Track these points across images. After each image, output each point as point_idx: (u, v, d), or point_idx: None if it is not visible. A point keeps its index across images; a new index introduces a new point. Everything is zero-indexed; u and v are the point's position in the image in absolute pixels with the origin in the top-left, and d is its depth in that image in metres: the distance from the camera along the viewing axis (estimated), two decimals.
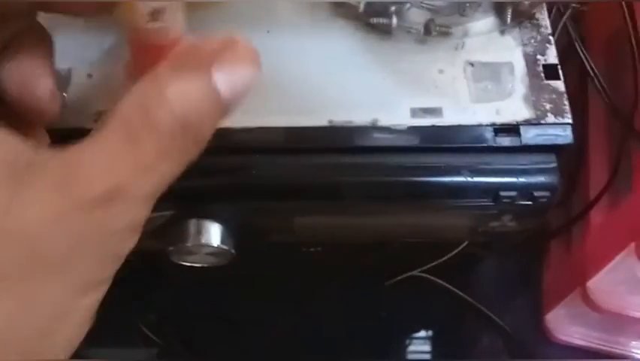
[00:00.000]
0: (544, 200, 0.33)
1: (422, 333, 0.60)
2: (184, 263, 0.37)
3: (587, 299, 0.49)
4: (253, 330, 0.55)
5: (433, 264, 0.53)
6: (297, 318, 0.55)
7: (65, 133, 0.33)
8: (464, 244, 0.47)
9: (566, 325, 0.56)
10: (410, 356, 0.59)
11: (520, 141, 0.33)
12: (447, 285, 0.57)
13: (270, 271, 0.53)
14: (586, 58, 0.39)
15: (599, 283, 0.48)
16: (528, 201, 0.33)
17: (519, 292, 0.59)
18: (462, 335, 0.60)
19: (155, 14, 0.30)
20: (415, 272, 0.57)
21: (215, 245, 0.35)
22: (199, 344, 0.55)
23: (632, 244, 0.41)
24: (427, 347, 0.60)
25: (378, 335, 0.58)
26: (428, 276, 0.57)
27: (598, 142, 0.50)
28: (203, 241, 0.35)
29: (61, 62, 0.35)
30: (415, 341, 0.60)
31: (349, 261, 0.53)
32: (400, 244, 0.50)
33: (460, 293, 0.58)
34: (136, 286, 0.54)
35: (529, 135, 0.33)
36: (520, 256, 0.59)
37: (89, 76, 0.35)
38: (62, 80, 0.35)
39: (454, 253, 0.48)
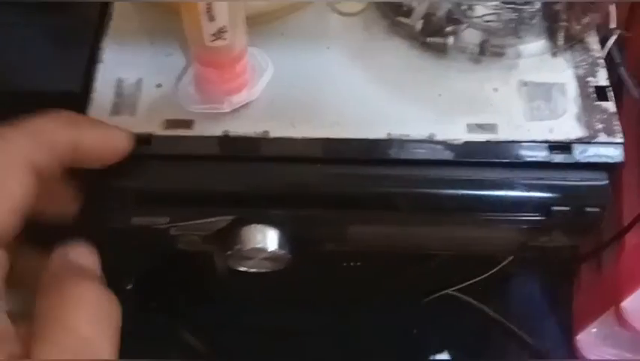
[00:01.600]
0: (594, 216, 0.34)
1: (453, 351, 0.60)
2: (240, 268, 0.38)
3: (622, 319, 0.49)
4: (289, 342, 0.56)
5: (471, 282, 0.54)
6: (333, 331, 0.56)
7: (136, 138, 0.35)
8: (506, 261, 0.48)
9: (597, 345, 0.56)
10: None
11: (573, 158, 0.34)
12: (479, 305, 0.58)
13: (310, 285, 0.54)
14: (631, 82, 0.41)
15: (634, 303, 0.48)
16: (579, 216, 0.35)
17: (550, 313, 0.60)
18: (493, 355, 0.60)
19: (219, 33, 0.31)
20: (448, 291, 0.57)
21: (272, 250, 0.36)
22: (233, 354, 0.56)
23: None
24: None
25: (409, 351, 0.59)
26: (460, 295, 0.57)
27: (632, 165, 0.51)
28: (261, 245, 0.36)
29: (132, 73, 0.37)
30: (444, 358, 0.60)
31: (386, 277, 0.54)
32: (437, 262, 0.51)
33: (492, 313, 0.58)
34: (180, 297, 0.55)
35: (582, 153, 0.34)
36: (551, 276, 0.60)
37: (159, 86, 0.37)
38: (133, 90, 0.37)
39: (495, 269, 0.49)
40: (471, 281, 0.53)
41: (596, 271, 0.56)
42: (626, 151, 0.50)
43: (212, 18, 0.30)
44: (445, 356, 0.61)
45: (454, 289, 0.56)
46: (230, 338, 0.55)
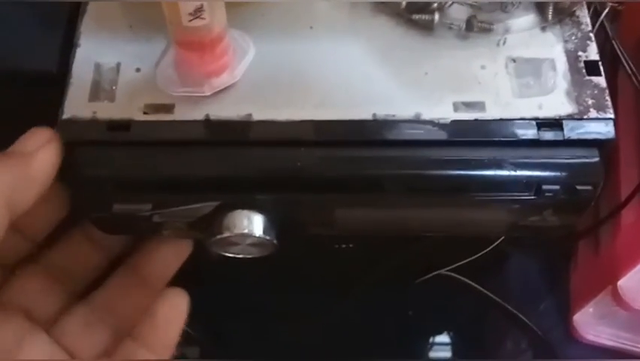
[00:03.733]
0: (586, 194, 0.34)
1: (449, 332, 0.60)
2: (226, 254, 0.37)
3: (618, 298, 0.49)
4: (280, 325, 0.55)
5: (464, 262, 0.53)
6: (325, 313, 0.56)
7: (115, 124, 0.34)
8: (498, 241, 0.47)
9: (594, 325, 0.56)
10: (437, 355, 0.60)
11: (563, 136, 0.34)
12: (475, 285, 0.58)
13: (301, 268, 0.53)
14: (624, 56, 0.40)
15: (631, 282, 0.48)
16: (570, 195, 0.34)
17: (547, 292, 0.59)
18: (489, 335, 0.60)
19: (197, 13, 0.30)
20: (443, 271, 0.57)
21: (258, 235, 0.36)
22: (230, 337, 0.55)
23: None
24: (453, 346, 0.60)
25: (405, 333, 0.59)
26: (456, 275, 0.57)
27: (629, 141, 0.50)
28: (246, 231, 0.35)
29: (111, 57, 0.36)
30: (442, 339, 0.60)
31: (380, 258, 0.54)
32: (432, 242, 0.51)
33: (488, 293, 0.58)
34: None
35: (572, 130, 0.34)
36: (547, 255, 0.59)
37: (138, 70, 0.36)
38: (111, 74, 0.36)
39: (488, 249, 0.48)
40: (464, 261, 0.52)
41: (594, 250, 0.55)
42: (623, 126, 0.50)
43: None
44: (444, 338, 0.61)
45: (447, 269, 0.55)
46: (222, 321, 0.54)
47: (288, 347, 0.54)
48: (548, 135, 0.34)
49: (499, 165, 0.34)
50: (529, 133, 0.34)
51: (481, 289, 0.58)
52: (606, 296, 0.51)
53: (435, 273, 0.57)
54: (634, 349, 0.56)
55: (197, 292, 0.55)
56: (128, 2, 0.38)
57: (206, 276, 0.53)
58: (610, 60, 0.43)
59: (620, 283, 0.48)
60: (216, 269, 0.43)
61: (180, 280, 0.55)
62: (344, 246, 0.49)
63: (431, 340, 0.60)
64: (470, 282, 0.57)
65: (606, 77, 0.36)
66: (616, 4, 0.40)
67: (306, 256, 0.51)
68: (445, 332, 0.60)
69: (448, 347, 0.60)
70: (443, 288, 0.57)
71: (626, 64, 0.40)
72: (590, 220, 0.53)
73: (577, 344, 0.57)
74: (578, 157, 0.34)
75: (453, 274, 0.57)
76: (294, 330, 0.55)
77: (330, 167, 0.34)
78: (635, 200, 0.47)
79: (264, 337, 0.55)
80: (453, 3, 0.36)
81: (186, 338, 0.54)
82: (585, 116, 0.34)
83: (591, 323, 0.56)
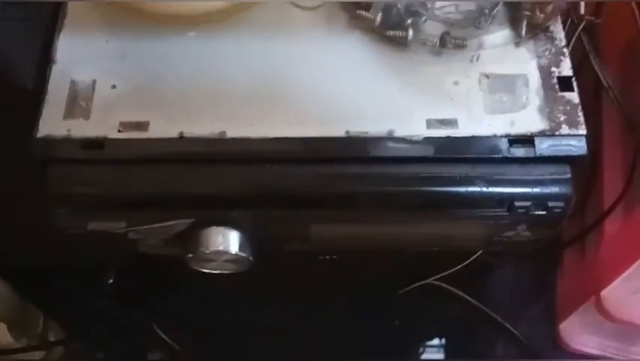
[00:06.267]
0: (558, 210, 0.34)
1: (435, 341, 0.60)
2: (203, 270, 0.38)
3: (602, 308, 0.49)
4: (268, 335, 0.55)
5: (447, 273, 0.53)
6: (311, 324, 0.56)
7: (89, 143, 0.34)
8: (478, 253, 0.47)
9: (579, 334, 0.56)
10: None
11: (535, 152, 0.34)
12: (461, 293, 0.58)
13: (285, 278, 0.53)
14: (600, 70, 0.40)
15: (614, 293, 0.48)
16: (542, 211, 0.34)
17: (533, 302, 0.59)
18: (475, 344, 0.60)
19: None
20: (430, 280, 0.57)
21: (234, 252, 0.36)
22: (213, 348, 0.55)
23: None
24: (440, 355, 0.60)
25: (391, 343, 0.59)
26: (442, 284, 0.57)
27: (612, 153, 0.50)
28: (222, 248, 0.35)
29: (86, 74, 0.36)
30: (428, 348, 0.60)
31: (364, 269, 0.54)
32: (414, 253, 0.51)
33: (474, 302, 0.58)
34: (151, 290, 0.54)
35: (544, 146, 0.34)
36: (533, 265, 0.59)
37: (113, 87, 0.36)
38: (87, 91, 0.36)
39: (468, 261, 0.48)
40: (450, 270, 0.52)
41: (579, 259, 0.55)
42: (607, 137, 0.50)
43: None
44: (431, 346, 0.61)
45: (434, 278, 0.55)
46: (205, 333, 0.55)
47: (275, 358, 0.55)
48: (520, 152, 0.34)
49: (471, 182, 0.34)
50: (501, 150, 0.34)
51: (467, 298, 0.58)
52: (591, 306, 0.51)
53: (421, 283, 0.57)
54: (620, 357, 0.56)
55: (180, 305, 0.56)
56: (107, 16, 0.38)
57: (189, 288, 0.53)
58: (594, 73, 0.43)
59: (603, 293, 0.48)
60: (197, 282, 0.43)
61: (164, 290, 0.56)
62: (327, 257, 0.49)
63: (419, 348, 0.60)
64: (457, 291, 0.57)
65: (590, 91, 0.36)
66: (592, 18, 0.40)
67: (291, 267, 0.51)
68: (432, 342, 0.60)
69: (435, 356, 0.60)
70: (429, 297, 0.57)
71: (602, 78, 0.40)
72: (576, 230, 0.53)
73: (562, 352, 0.57)
74: (550, 173, 0.34)
75: (440, 283, 0.57)
76: (281, 341, 0.55)
77: (303, 184, 0.35)
78: (618, 210, 0.47)
79: (249, 348, 0.55)
80: (427, 19, 0.36)
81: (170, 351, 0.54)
82: (557, 133, 0.34)
83: (576, 332, 0.56)
